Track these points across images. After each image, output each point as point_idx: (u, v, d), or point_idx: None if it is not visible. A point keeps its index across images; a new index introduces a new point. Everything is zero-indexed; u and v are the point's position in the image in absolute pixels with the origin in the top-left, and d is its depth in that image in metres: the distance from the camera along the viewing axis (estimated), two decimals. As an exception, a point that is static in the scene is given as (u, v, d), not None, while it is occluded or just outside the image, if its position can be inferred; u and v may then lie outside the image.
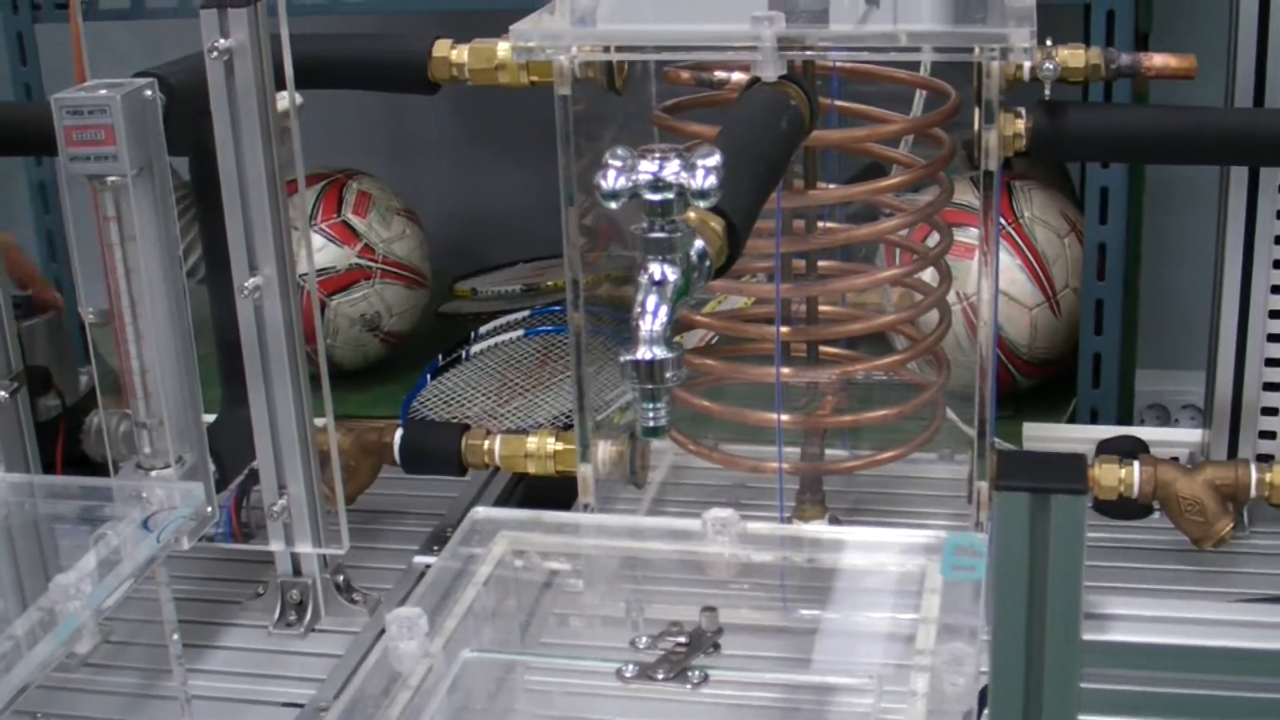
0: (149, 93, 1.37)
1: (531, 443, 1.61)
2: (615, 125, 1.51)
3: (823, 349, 1.55)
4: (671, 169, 0.94)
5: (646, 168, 0.94)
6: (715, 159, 0.95)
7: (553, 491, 1.66)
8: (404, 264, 2.20)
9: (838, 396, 1.55)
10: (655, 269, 0.96)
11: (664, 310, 0.95)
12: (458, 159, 2.66)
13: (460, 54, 1.52)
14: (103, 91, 1.34)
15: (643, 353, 0.95)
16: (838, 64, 1.48)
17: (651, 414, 0.98)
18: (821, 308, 1.54)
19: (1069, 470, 0.79)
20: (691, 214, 0.99)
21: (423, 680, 1.05)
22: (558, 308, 2.23)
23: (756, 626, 1.17)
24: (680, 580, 1.22)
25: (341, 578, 1.54)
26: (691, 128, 1.46)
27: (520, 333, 2.18)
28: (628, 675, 1.08)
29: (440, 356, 2.15)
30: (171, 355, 1.41)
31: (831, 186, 1.51)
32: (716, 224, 1.02)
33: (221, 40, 1.37)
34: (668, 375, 0.95)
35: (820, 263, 1.53)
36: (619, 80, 1.47)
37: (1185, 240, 2.17)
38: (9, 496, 1.32)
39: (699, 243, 0.99)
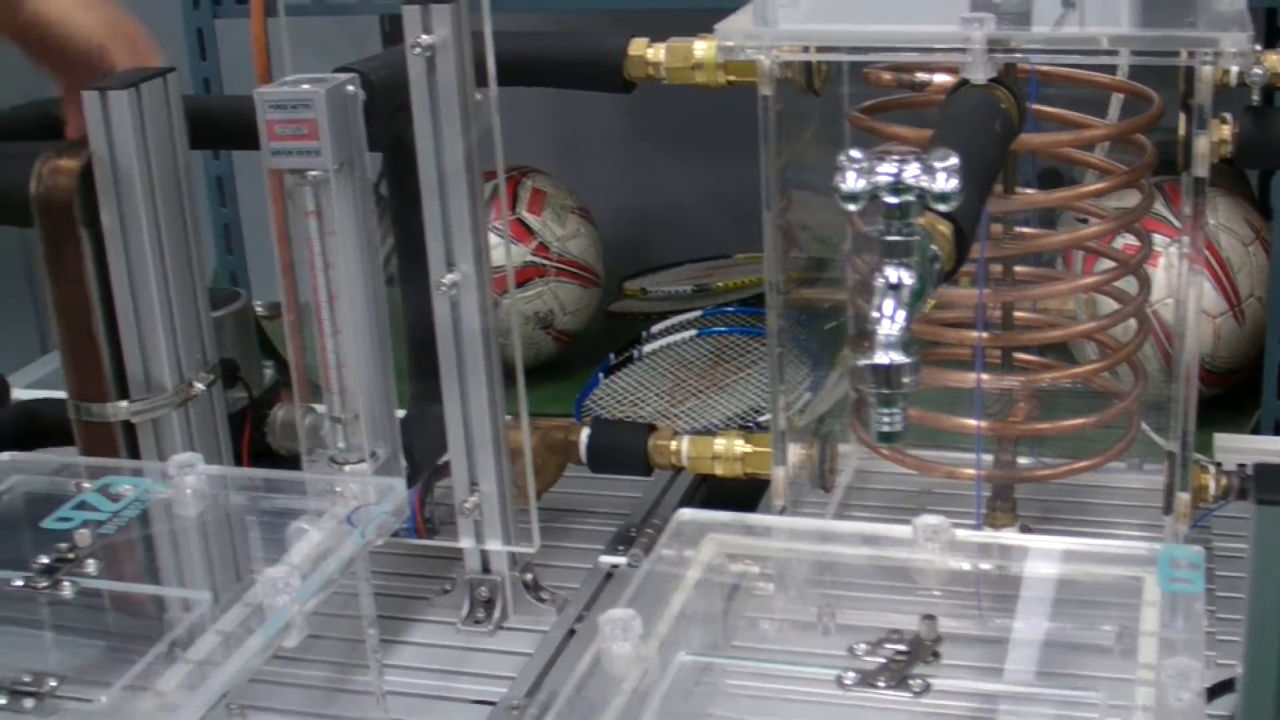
0: (351, 88, 1.37)
1: (719, 444, 1.59)
2: (811, 126, 1.50)
3: (1017, 355, 1.52)
4: (911, 171, 0.93)
5: (886, 170, 0.93)
6: (954, 161, 0.93)
7: (735, 493, 1.65)
8: (578, 262, 2.20)
9: (1030, 403, 1.53)
10: (892, 273, 0.95)
11: (901, 314, 0.94)
12: (626, 156, 2.66)
13: (657, 53, 1.51)
14: (306, 86, 1.35)
15: (880, 357, 0.94)
16: (1036, 67, 1.46)
17: (887, 419, 0.97)
18: (1017, 314, 1.52)
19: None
20: (922, 218, 0.98)
21: (638, 684, 1.04)
22: (730, 308, 2.22)
23: (973, 636, 1.15)
24: (887, 587, 1.20)
25: (530, 576, 1.53)
26: (892, 129, 1.44)
27: (693, 333, 2.18)
28: (848, 682, 1.07)
29: (612, 355, 2.15)
30: (368, 351, 1.42)
31: (1029, 191, 1.49)
32: (944, 228, 1.01)
33: (424, 36, 1.37)
34: (905, 380, 0.94)
35: (1016, 268, 1.50)
36: (818, 81, 1.46)
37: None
38: (210, 489, 1.32)
39: (932, 247, 0.98)
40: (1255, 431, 1.97)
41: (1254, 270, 1.98)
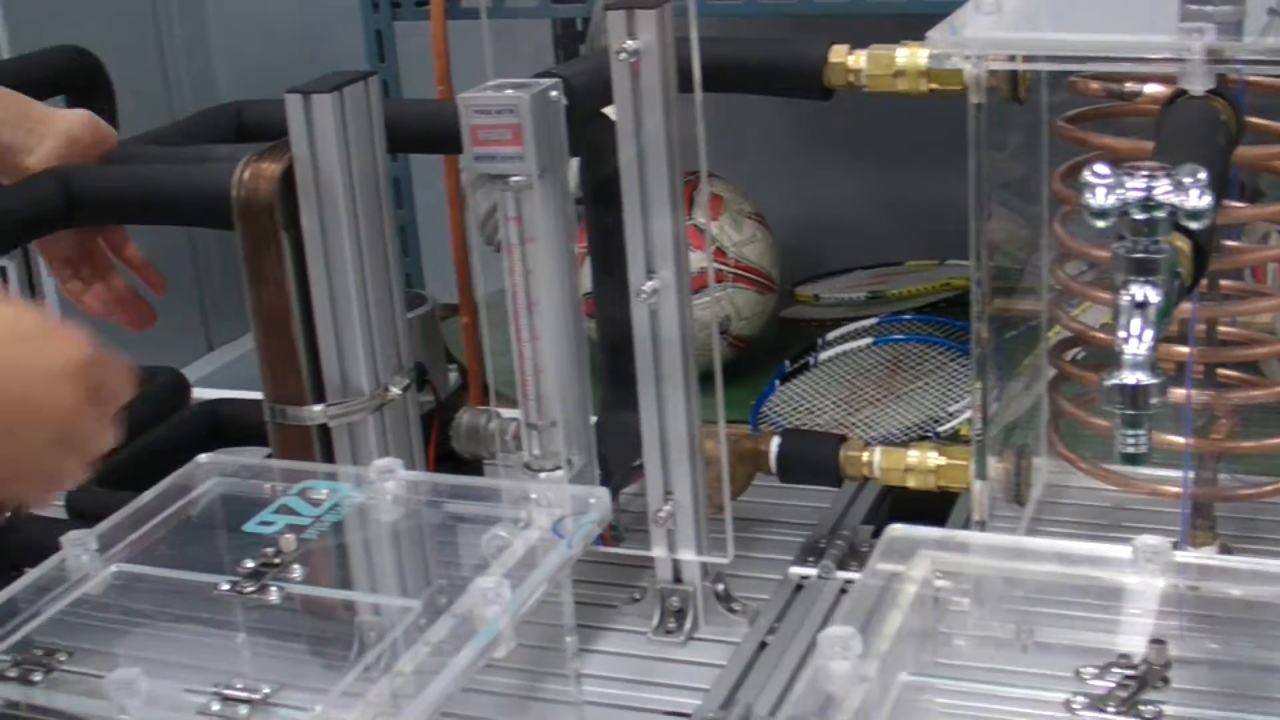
0: (554, 93, 1.36)
1: (912, 456, 1.57)
2: (1012, 135, 1.47)
3: (1220, 371, 1.49)
4: (1162, 188, 0.90)
5: (1135, 186, 0.91)
6: (1204, 176, 0.91)
7: (921, 504, 1.63)
8: (754, 268, 2.18)
9: (1232, 420, 1.50)
10: (1138, 290, 0.93)
11: (1149, 334, 0.92)
12: (794, 161, 2.64)
13: (858, 60, 1.49)
14: (509, 91, 1.34)
15: (1127, 377, 0.92)
16: (1245, 77, 1.42)
17: (1132, 440, 0.94)
18: (1220, 329, 1.49)
19: None
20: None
21: (861, 703, 1.02)
22: (907, 316, 2.20)
23: (1202, 661, 1.12)
24: (1100, 607, 1.17)
25: (721, 586, 1.52)
26: (1102, 140, 1.42)
27: (869, 340, 2.16)
28: (1076, 707, 1.05)
29: (788, 362, 2.13)
30: (566, 357, 1.41)
31: (1238, 205, 1.46)
32: (1184, 244, 0.98)
33: (629, 42, 1.36)
34: (1152, 401, 0.92)
35: (1222, 282, 1.47)
36: (1022, 89, 1.43)
37: None
38: (409, 495, 1.32)
39: (1175, 264, 0.95)
40: None
41: None
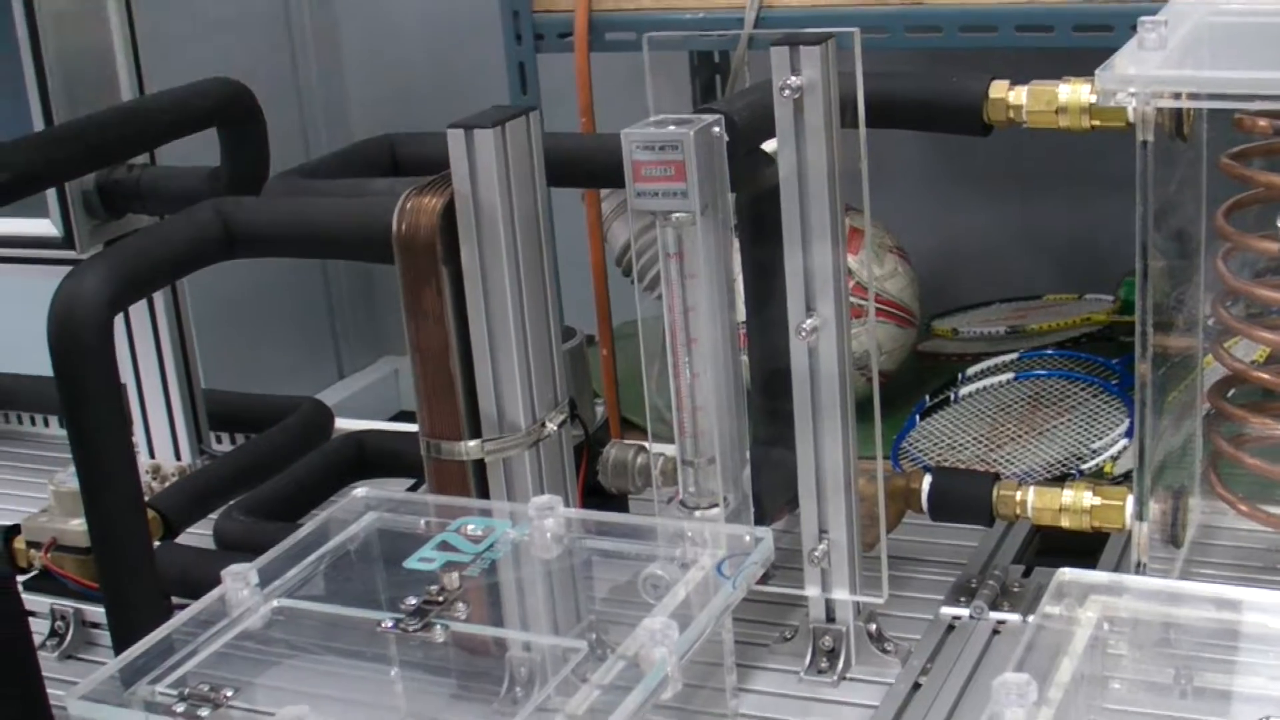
0: (717, 129, 1.36)
1: (1067, 496, 1.55)
2: (1176, 170, 1.46)
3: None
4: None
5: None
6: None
7: (1071, 544, 1.61)
8: (895, 302, 2.17)
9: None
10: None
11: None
12: (934, 194, 2.62)
13: (1018, 95, 1.48)
14: (673, 128, 1.33)
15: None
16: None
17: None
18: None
19: None
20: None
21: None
22: (1049, 351, 2.19)
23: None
24: (1267, 654, 1.16)
25: (874, 626, 1.50)
26: (1268, 177, 1.41)
27: (1010, 376, 2.14)
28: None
29: (928, 397, 2.12)
30: (725, 394, 1.40)
31: None
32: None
33: (793, 78, 1.35)
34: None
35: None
36: (1187, 126, 1.42)
37: None
38: (568, 533, 1.32)
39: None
40: None
41: None
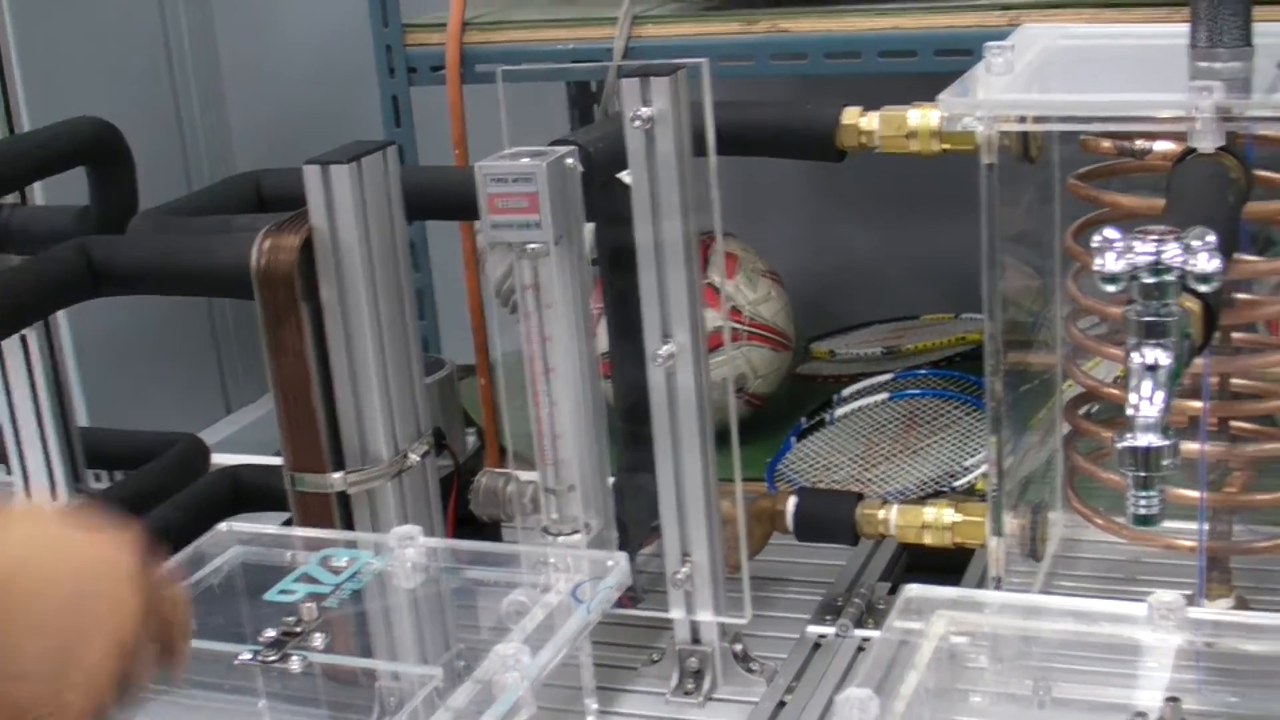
0: (570, 161, 1.37)
1: (929, 513, 1.58)
2: (1026, 192, 1.49)
3: (1235, 425, 1.50)
4: (1171, 252, 0.92)
5: (1145, 250, 0.92)
6: (1213, 239, 0.92)
7: (938, 561, 1.63)
8: (770, 326, 2.19)
9: (1248, 473, 1.51)
10: (1149, 353, 0.94)
11: (1160, 395, 0.93)
12: (809, 218, 2.65)
13: (870, 122, 1.50)
14: (526, 160, 1.35)
15: (1139, 439, 0.93)
16: (1254, 134, 1.43)
17: (1144, 502, 0.95)
18: (1234, 382, 1.50)
19: None
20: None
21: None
22: (922, 371, 2.21)
23: (1215, 716, 1.13)
24: (1122, 664, 1.18)
25: (739, 646, 1.52)
26: (1112, 197, 1.43)
27: (885, 396, 2.17)
28: (1095, 765, 1.06)
29: (804, 419, 2.14)
30: (583, 423, 1.42)
31: (1250, 259, 1.47)
32: (1194, 305, 0.99)
33: (644, 109, 1.37)
34: (1164, 463, 0.93)
35: (1235, 335, 1.48)
36: (1034, 149, 1.45)
37: None
38: (429, 562, 1.33)
39: (1186, 325, 0.97)
40: None
41: None
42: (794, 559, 1.74)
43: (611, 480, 1.53)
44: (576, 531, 1.44)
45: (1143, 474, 0.94)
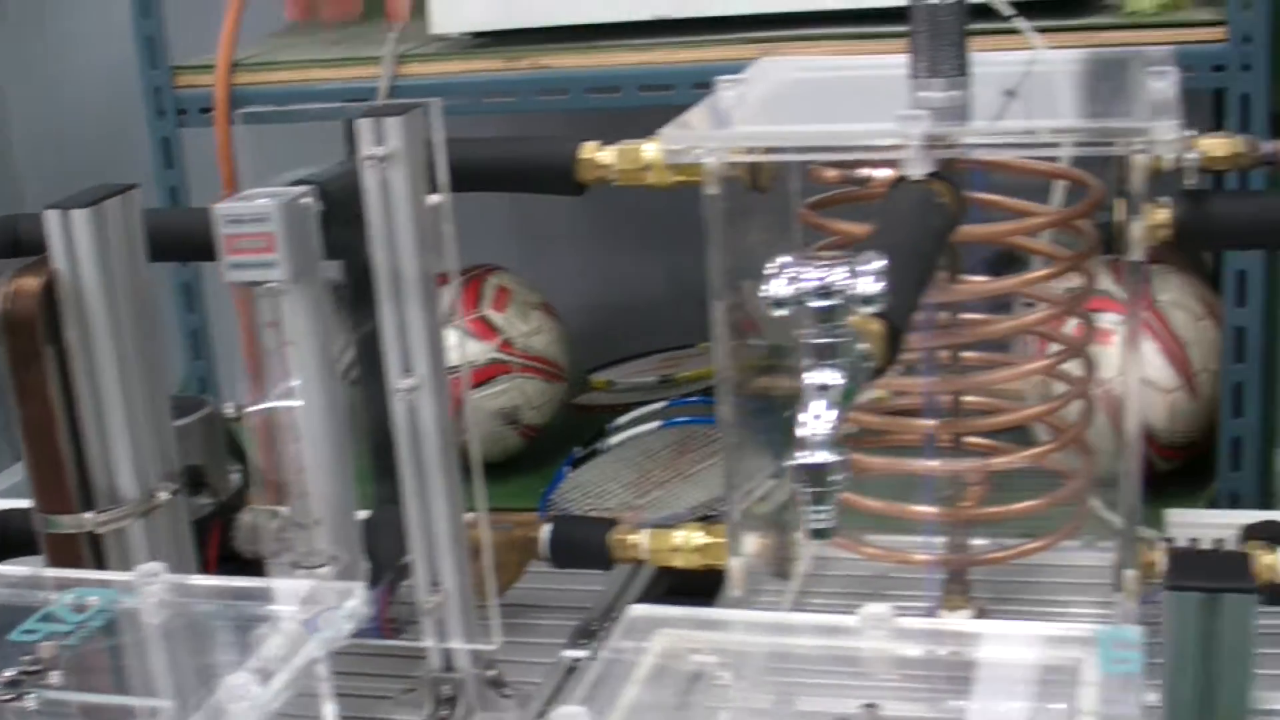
0: (306, 200, 1.40)
1: (678, 536, 1.62)
2: (759, 221, 1.53)
3: (967, 440, 1.55)
4: (837, 275, 0.96)
5: (811, 275, 0.96)
6: (879, 264, 0.96)
7: (699, 583, 1.67)
8: (542, 357, 2.22)
9: (982, 487, 1.56)
10: (821, 374, 0.98)
11: (830, 414, 0.97)
12: (589, 251, 2.69)
13: (607, 155, 1.54)
14: (261, 201, 1.37)
15: (809, 457, 0.97)
16: (991, 158, 1.49)
17: (817, 516, 0.99)
18: (966, 399, 1.55)
19: (1236, 569, 0.80)
20: (852, 316, 1.00)
21: (590, 779, 1.06)
22: (694, 398, 2.25)
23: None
24: (834, 674, 1.22)
25: (493, 673, 1.55)
26: (839, 225, 1.48)
27: (657, 424, 2.20)
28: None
29: (578, 449, 2.17)
30: (328, 457, 1.44)
31: (977, 279, 1.52)
32: (877, 326, 1.04)
33: (377, 148, 1.40)
34: (833, 479, 0.97)
35: (964, 354, 1.53)
36: (764, 179, 1.49)
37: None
38: (172, 597, 1.34)
39: (862, 345, 1.01)
40: (1212, 505, 2.00)
41: (1206, 345, 2.02)
42: (560, 586, 1.77)
43: (369, 513, 1.56)
44: (324, 565, 1.46)
45: (816, 489, 0.98)
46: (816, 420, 0.97)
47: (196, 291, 2.30)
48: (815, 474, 0.97)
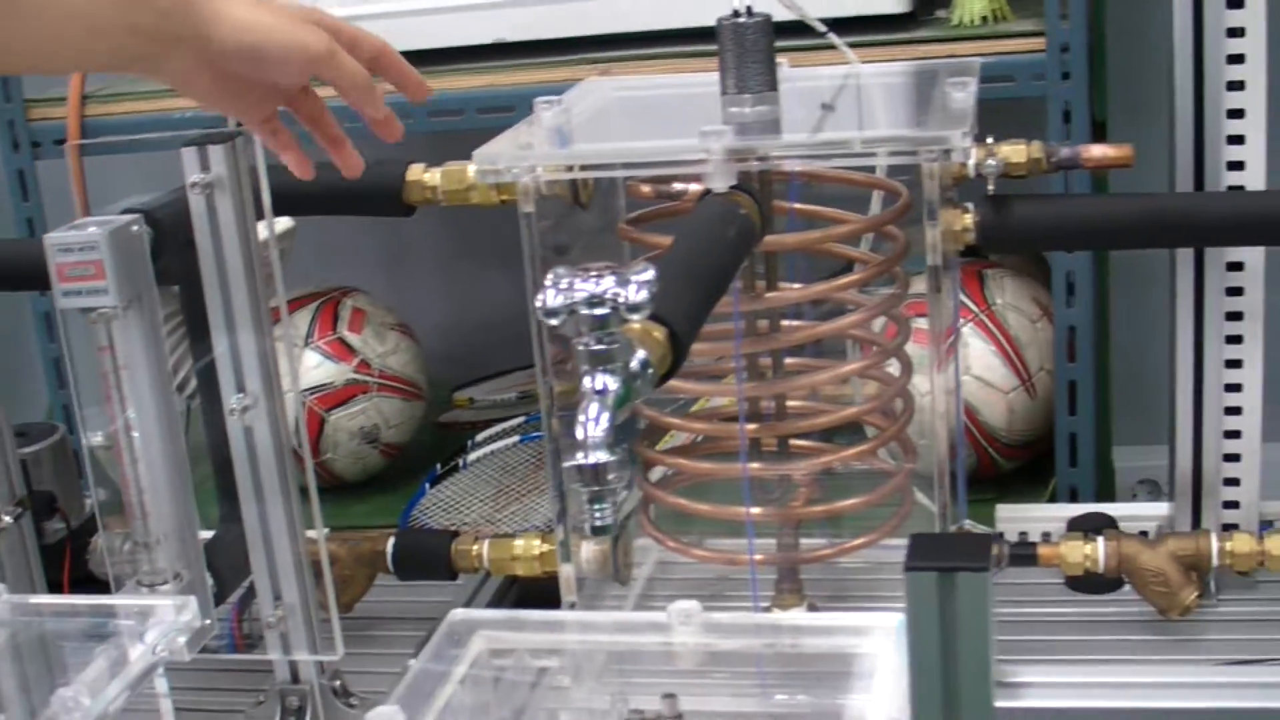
0: (135, 228, 1.44)
1: (518, 545, 1.67)
2: (585, 238, 1.58)
3: (793, 442, 1.60)
4: (607, 285, 1.01)
5: (584, 286, 1.01)
6: (649, 274, 1.01)
7: (547, 592, 1.71)
8: (400, 377, 2.27)
9: (810, 488, 1.61)
10: (597, 379, 1.03)
11: (605, 417, 1.02)
12: (451, 270, 2.73)
13: (433, 177, 1.59)
14: (91, 229, 1.41)
15: (586, 457, 1.01)
16: (796, 170, 1.54)
17: (599, 514, 1.04)
18: (790, 402, 1.60)
19: (974, 550, 0.85)
20: (636, 325, 1.05)
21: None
22: (551, 413, 2.30)
23: (719, 713, 1.22)
24: (649, 671, 1.27)
25: (339, 683, 1.59)
26: (654, 239, 1.53)
27: (515, 439, 2.25)
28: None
29: (438, 466, 2.21)
30: (167, 477, 1.48)
31: (796, 286, 1.57)
32: (659, 333, 1.09)
33: (201, 175, 1.44)
34: (610, 477, 1.02)
35: (787, 360, 1.59)
36: (584, 196, 1.54)
37: (1154, 318, 2.22)
38: (13, 616, 1.38)
39: (641, 352, 1.06)
40: (1052, 499, 2.05)
41: (1042, 345, 2.08)
42: (409, 599, 1.81)
43: (214, 531, 1.60)
44: (166, 582, 1.49)
45: (595, 488, 1.02)
46: (593, 423, 1.02)
47: (57, 321, 2.32)
48: (593, 474, 1.02)
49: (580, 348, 1.02)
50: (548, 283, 1.01)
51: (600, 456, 1.01)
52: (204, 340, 1.56)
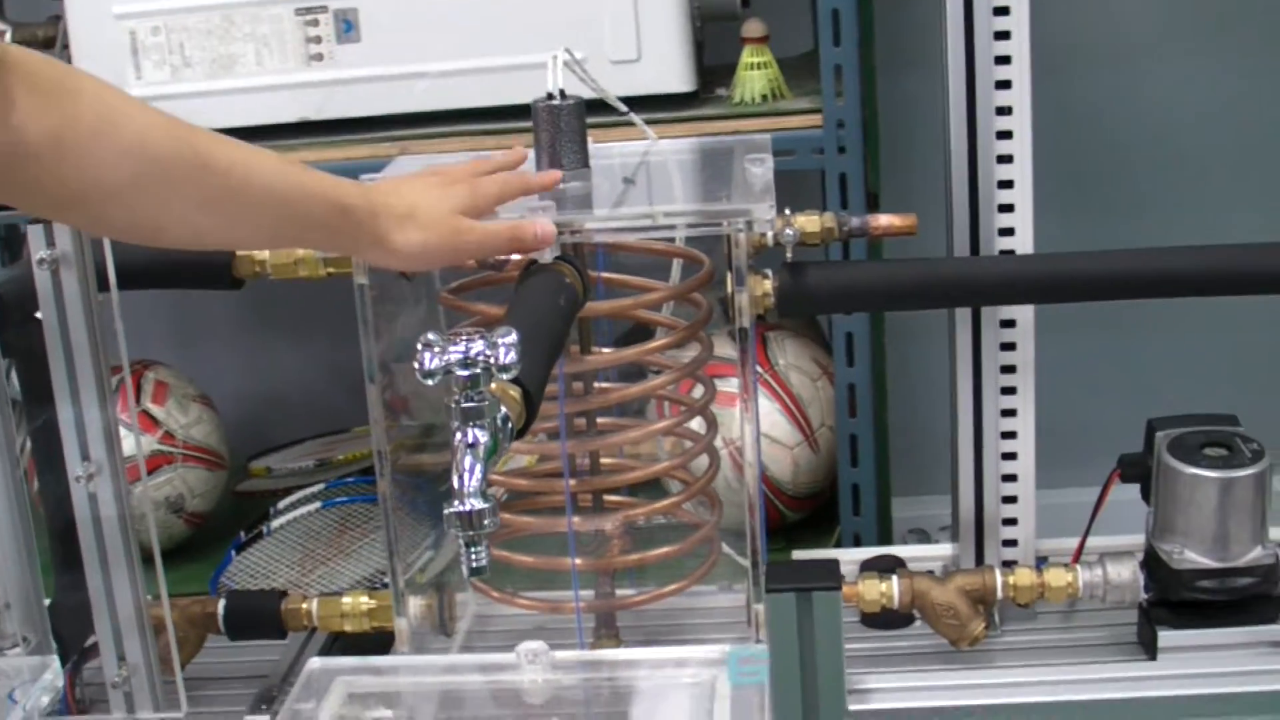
0: (-19, 304, 1.50)
1: (346, 603, 1.74)
2: (407, 306, 1.66)
3: (607, 497, 1.70)
4: (477, 348, 1.10)
5: (455, 349, 1.10)
6: (513, 337, 1.11)
7: (367, 647, 1.78)
8: (203, 447, 2.32)
9: (623, 539, 1.71)
10: (469, 433, 1.12)
11: (478, 468, 1.11)
12: (244, 342, 2.79)
13: (262, 252, 1.66)
14: (-70, 307, 1.47)
15: (462, 505, 1.11)
16: (610, 241, 1.63)
17: (474, 557, 1.13)
18: (603, 460, 1.70)
19: (825, 572, 0.96)
20: (493, 385, 1.15)
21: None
22: (350, 479, 2.37)
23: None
24: (501, 708, 1.35)
25: (181, 740, 1.65)
26: (476, 307, 1.61)
27: (318, 505, 2.31)
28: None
29: (243, 533, 2.27)
30: (11, 546, 1.53)
31: (606, 351, 1.67)
32: (515, 392, 1.18)
33: (48, 250, 1.50)
34: (485, 523, 1.11)
35: (600, 419, 1.68)
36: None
37: (930, 375, 2.36)
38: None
39: (503, 409, 1.15)
40: (837, 546, 2.17)
41: (823, 403, 2.20)
42: (239, 658, 1.87)
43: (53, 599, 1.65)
44: (16, 646, 1.55)
45: (470, 533, 1.12)
46: (468, 474, 1.11)
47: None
48: (468, 519, 1.11)
49: (452, 405, 1.12)
50: (420, 347, 1.11)
51: (475, 504, 1.11)
52: (41, 414, 1.61)
